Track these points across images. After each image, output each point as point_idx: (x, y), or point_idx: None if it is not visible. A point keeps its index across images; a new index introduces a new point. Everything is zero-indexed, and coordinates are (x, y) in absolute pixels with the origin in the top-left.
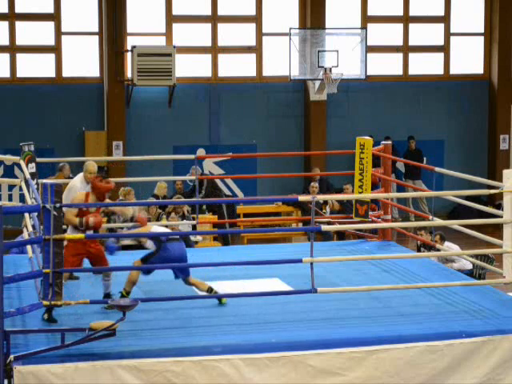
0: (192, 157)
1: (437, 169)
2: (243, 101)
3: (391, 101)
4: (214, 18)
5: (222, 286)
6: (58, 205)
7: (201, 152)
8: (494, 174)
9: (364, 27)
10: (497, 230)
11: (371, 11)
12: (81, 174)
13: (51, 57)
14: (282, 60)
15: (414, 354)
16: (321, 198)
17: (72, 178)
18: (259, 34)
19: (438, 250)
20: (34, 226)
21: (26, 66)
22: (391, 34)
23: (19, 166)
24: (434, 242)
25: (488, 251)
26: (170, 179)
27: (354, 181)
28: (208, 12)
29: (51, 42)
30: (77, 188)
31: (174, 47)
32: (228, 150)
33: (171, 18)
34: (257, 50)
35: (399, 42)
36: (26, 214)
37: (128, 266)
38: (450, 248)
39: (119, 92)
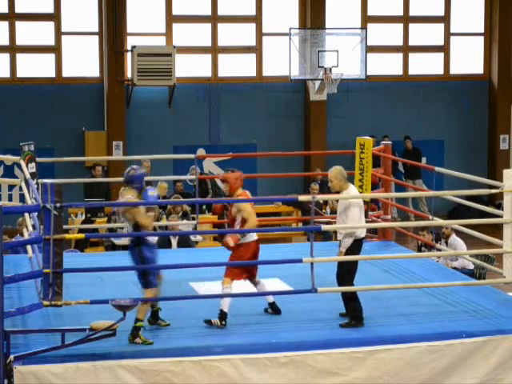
0: (192, 157)
1: (437, 169)
2: (243, 101)
3: (391, 101)
4: (214, 18)
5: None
6: (58, 205)
7: (201, 152)
8: (494, 174)
9: (364, 27)
10: (497, 230)
11: (371, 11)
12: None
13: (51, 57)
14: (281, 60)
15: (414, 354)
16: (321, 197)
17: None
18: (259, 34)
19: (439, 250)
20: (34, 226)
21: (25, 66)
22: (391, 34)
23: (19, 165)
24: (443, 233)
25: (488, 251)
26: (170, 179)
27: (354, 181)
28: (208, 12)
29: (51, 41)
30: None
31: (174, 47)
32: (228, 149)
33: (171, 18)
34: (257, 50)
35: (399, 42)
36: (26, 214)
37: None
38: (456, 240)
39: (119, 92)
